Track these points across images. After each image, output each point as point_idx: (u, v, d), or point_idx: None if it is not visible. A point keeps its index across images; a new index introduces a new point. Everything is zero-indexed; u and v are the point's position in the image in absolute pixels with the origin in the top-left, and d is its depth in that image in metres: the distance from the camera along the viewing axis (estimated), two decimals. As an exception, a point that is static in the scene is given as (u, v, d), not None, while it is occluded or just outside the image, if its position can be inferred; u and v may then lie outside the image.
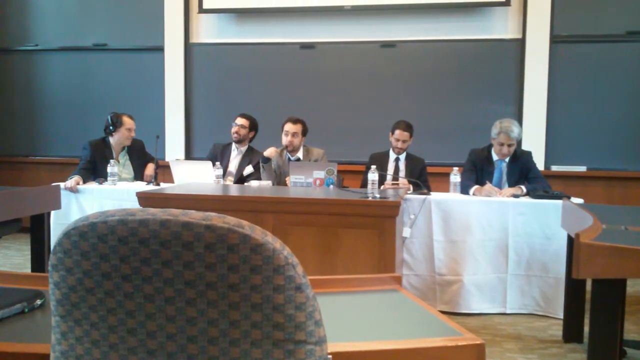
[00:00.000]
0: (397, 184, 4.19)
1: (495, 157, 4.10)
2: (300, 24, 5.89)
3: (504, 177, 4.08)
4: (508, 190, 3.86)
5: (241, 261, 0.78)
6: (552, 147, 5.50)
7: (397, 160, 4.46)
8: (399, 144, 4.39)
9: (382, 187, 4.11)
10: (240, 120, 4.72)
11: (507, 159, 4.08)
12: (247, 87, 5.98)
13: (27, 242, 3.88)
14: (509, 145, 3.99)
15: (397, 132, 4.38)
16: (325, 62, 5.85)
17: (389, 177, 4.29)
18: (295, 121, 4.46)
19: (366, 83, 5.78)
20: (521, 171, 4.05)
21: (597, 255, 1.95)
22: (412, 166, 4.43)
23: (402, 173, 4.40)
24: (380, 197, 3.26)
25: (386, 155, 4.51)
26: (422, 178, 4.29)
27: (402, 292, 1.66)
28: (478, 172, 4.12)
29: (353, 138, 5.73)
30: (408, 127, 4.40)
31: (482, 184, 3.96)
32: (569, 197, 3.66)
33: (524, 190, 3.84)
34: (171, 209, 0.81)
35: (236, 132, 4.69)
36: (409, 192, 3.92)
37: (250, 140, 4.79)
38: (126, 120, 4.59)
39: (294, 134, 4.42)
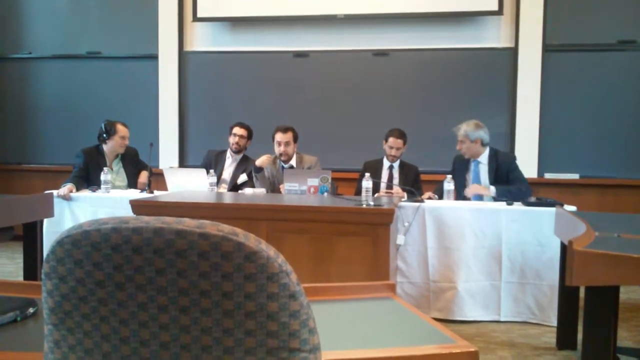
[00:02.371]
0: (391, 191, 4.20)
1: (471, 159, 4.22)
2: (294, 32, 5.91)
3: (481, 176, 4.15)
4: (474, 187, 4.01)
5: (235, 269, 0.77)
6: (545, 155, 5.53)
7: (390, 168, 4.47)
8: (393, 152, 4.40)
9: (376, 194, 4.12)
10: (240, 131, 4.72)
11: (481, 159, 4.15)
12: (241, 95, 5.99)
13: (19, 250, 3.86)
14: (460, 142, 4.14)
15: (391, 139, 4.40)
16: (318, 70, 5.87)
17: (382, 185, 4.30)
18: (285, 130, 4.42)
19: (359, 91, 5.80)
20: (497, 172, 4.10)
21: (591, 262, 1.95)
22: (406, 174, 4.44)
23: (395, 181, 4.40)
24: (375, 205, 3.27)
25: (380, 163, 4.52)
26: (415, 185, 4.30)
27: (396, 299, 1.66)
28: (460, 175, 4.22)
29: (347, 146, 5.74)
30: (401, 135, 4.42)
31: (463, 185, 4.07)
32: (562, 205, 3.67)
33: (492, 191, 3.93)
34: (165, 216, 0.80)
35: (236, 143, 4.69)
36: (402, 199, 3.93)
37: (245, 148, 4.80)
38: (120, 128, 4.58)
39: (286, 143, 4.40)
